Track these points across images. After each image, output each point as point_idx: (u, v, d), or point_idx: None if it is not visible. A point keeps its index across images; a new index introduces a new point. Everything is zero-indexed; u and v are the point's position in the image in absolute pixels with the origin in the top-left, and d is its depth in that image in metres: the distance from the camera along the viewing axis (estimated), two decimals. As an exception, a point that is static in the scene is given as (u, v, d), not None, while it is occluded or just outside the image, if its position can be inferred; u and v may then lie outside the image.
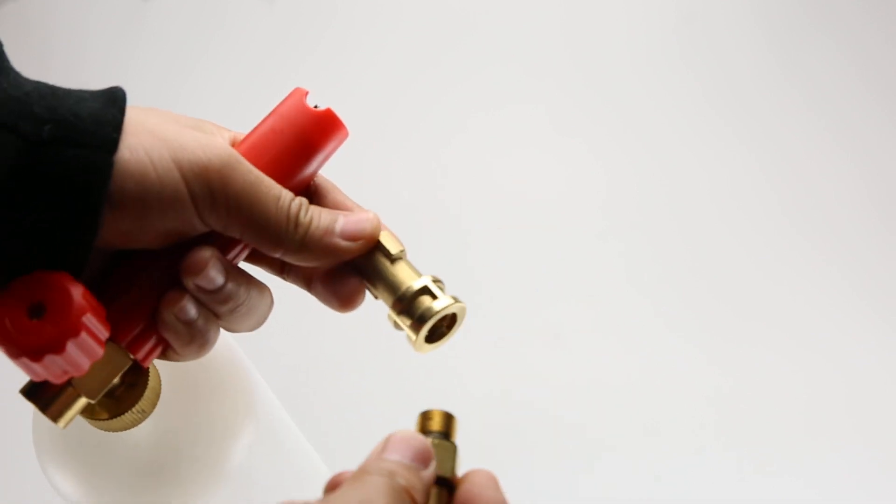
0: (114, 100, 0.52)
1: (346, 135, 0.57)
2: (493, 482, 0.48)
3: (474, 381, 1.08)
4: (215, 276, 0.53)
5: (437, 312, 0.55)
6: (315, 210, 0.55)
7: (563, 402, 1.07)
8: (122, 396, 0.57)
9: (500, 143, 1.25)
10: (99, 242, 0.51)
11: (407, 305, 0.55)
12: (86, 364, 0.50)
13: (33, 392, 0.53)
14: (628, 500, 1.02)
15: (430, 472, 0.47)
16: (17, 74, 0.52)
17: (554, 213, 1.19)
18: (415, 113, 1.26)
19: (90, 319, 0.49)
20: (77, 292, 0.49)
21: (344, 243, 0.55)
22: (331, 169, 0.59)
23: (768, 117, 1.26)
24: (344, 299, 0.57)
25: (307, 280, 0.58)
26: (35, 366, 0.48)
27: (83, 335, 0.48)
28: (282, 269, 0.59)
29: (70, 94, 0.52)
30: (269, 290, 0.57)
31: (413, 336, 0.55)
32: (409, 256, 0.57)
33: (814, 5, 1.33)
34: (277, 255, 0.55)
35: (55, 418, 0.53)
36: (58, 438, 0.63)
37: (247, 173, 0.53)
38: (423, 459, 0.47)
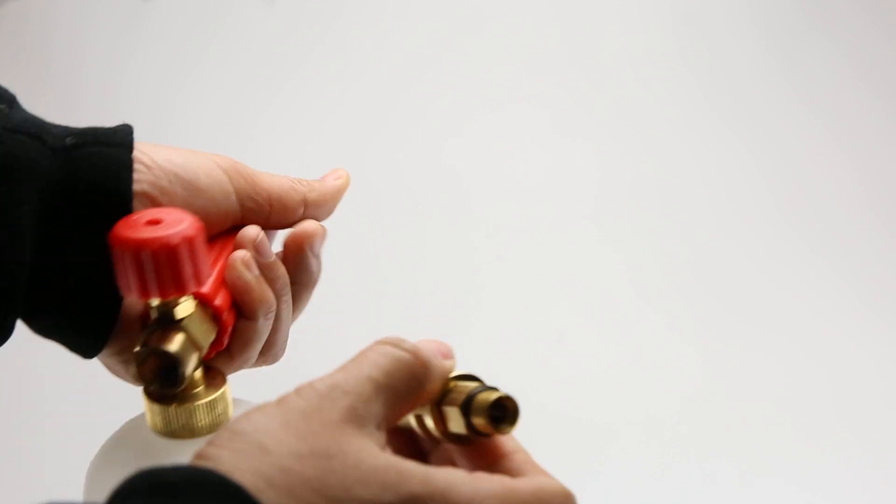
0: (120, 125, 0.58)
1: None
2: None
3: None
4: (268, 250, 0.57)
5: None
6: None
7: (565, 400, 1.07)
8: (199, 393, 0.58)
9: (501, 144, 1.25)
10: None
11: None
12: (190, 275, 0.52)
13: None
14: (629, 499, 1.03)
15: (449, 362, 0.51)
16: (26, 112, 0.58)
17: (556, 213, 1.20)
18: (415, 114, 1.27)
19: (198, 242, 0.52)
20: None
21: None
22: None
23: (767, 116, 1.26)
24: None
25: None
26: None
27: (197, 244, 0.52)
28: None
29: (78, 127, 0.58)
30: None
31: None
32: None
33: (813, 5, 1.33)
34: None
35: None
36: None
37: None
38: (442, 352, 0.51)
